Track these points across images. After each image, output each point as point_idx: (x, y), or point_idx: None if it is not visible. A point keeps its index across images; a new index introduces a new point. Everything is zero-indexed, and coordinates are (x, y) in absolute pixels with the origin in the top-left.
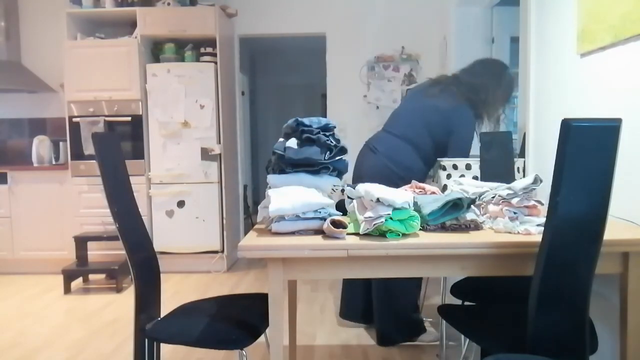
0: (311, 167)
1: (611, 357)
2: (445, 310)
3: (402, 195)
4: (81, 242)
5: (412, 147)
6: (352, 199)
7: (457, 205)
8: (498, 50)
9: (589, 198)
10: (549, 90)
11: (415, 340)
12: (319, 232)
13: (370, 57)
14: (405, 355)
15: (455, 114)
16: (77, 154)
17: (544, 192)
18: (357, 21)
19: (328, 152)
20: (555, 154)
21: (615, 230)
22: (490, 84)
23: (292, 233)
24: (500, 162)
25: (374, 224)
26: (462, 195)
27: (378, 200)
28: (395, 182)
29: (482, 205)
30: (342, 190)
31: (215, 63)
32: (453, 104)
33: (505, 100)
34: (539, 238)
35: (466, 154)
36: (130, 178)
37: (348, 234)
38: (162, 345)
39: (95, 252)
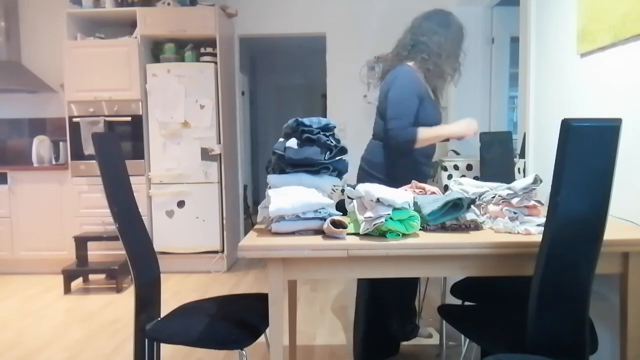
0: (311, 167)
1: (611, 357)
2: (445, 310)
3: (402, 195)
4: (81, 242)
5: (379, 141)
6: (352, 199)
7: (457, 206)
8: (498, 50)
9: (589, 198)
10: (549, 90)
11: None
12: (319, 232)
13: (370, 57)
14: (405, 355)
15: (390, 76)
16: (77, 154)
17: (544, 192)
18: (357, 21)
19: (328, 152)
20: (555, 154)
21: (615, 230)
22: (438, 35)
23: (292, 233)
24: (500, 162)
25: (374, 224)
26: (462, 196)
27: (378, 200)
28: (371, 181)
29: (482, 205)
30: (342, 191)
31: (215, 63)
32: (394, 69)
33: (458, 49)
34: (539, 238)
35: (398, 116)
36: (130, 178)
37: (348, 234)
38: (162, 345)
39: (95, 252)
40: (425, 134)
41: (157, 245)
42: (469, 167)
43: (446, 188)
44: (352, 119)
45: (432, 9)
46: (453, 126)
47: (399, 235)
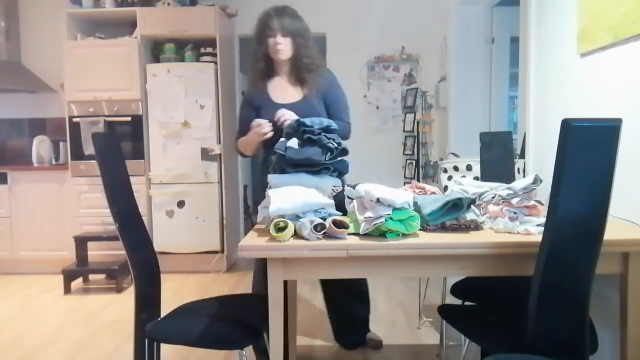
0: (312, 168)
1: (611, 357)
2: (445, 310)
3: (402, 195)
4: (81, 242)
5: None
6: (352, 199)
7: (457, 206)
8: (498, 50)
9: (589, 198)
10: (549, 90)
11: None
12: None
13: (370, 57)
14: (405, 355)
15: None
16: (77, 154)
17: (544, 192)
18: (357, 21)
19: (329, 153)
20: (555, 154)
21: (615, 230)
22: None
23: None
24: (500, 162)
25: (374, 224)
26: (462, 196)
27: (378, 200)
28: None
29: (482, 205)
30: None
31: (215, 63)
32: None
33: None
34: (539, 238)
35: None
36: (130, 178)
37: (348, 234)
38: (162, 345)
39: (95, 252)
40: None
41: (157, 245)
42: (469, 168)
43: (446, 189)
44: (351, 119)
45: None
46: (249, 134)
47: (399, 235)
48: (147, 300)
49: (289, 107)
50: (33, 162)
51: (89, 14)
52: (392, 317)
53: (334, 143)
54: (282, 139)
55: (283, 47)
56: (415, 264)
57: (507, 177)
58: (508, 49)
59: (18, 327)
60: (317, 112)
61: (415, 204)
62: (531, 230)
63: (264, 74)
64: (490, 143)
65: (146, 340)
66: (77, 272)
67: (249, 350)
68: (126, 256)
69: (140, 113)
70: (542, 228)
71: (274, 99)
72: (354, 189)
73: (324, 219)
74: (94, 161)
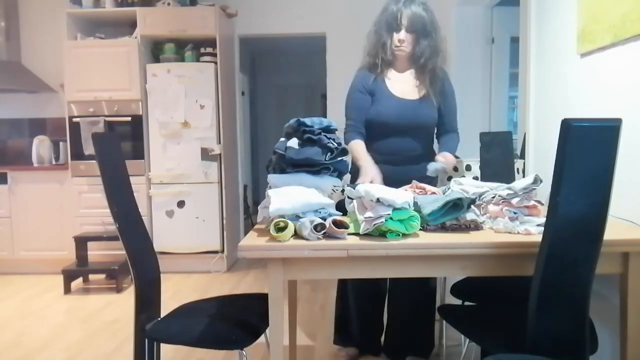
0: (312, 168)
1: (611, 357)
2: (445, 310)
3: (402, 195)
4: (81, 242)
5: None
6: (352, 199)
7: (457, 206)
8: (498, 50)
9: (589, 198)
10: (549, 90)
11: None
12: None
13: None
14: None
15: None
16: (77, 154)
17: (544, 192)
18: (357, 21)
19: (329, 153)
20: (555, 154)
21: (615, 230)
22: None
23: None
24: (500, 162)
25: (374, 224)
26: (462, 196)
27: (378, 200)
28: None
29: (482, 205)
30: (342, 191)
31: (215, 63)
32: None
33: (380, 33)
34: (539, 238)
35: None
36: (130, 178)
37: (348, 234)
38: (162, 345)
39: (95, 252)
40: (353, 149)
41: (157, 245)
42: (468, 168)
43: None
44: None
45: None
46: (364, 166)
47: (399, 235)
48: (147, 300)
49: (406, 103)
50: (33, 162)
51: (89, 14)
52: None
53: (334, 143)
54: (282, 139)
55: (404, 46)
56: (415, 264)
57: (507, 177)
58: (508, 49)
59: (18, 327)
60: (431, 116)
61: (415, 204)
62: (531, 230)
63: (385, 62)
64: (490, 143)
65: (146, 341)
66: (77, 272)
67: (249, 350)
68: (126, 256)
69: (140, 113)
70: (542, 228)
71: (392, 91)
72: (354, 189)
73: (324, 219)
74: (94, 161)
